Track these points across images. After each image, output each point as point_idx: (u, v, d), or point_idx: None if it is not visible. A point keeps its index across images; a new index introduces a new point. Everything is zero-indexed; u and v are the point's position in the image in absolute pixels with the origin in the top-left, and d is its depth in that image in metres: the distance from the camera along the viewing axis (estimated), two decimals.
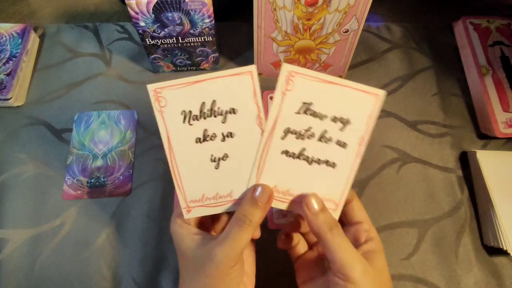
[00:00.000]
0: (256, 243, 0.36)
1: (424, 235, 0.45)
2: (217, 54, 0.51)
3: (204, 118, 0.29)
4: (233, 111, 0.29)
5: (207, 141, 0.30)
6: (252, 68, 0.28)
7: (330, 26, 0.44)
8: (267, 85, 0.37)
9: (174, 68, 0.53)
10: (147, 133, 0.49)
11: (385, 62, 0.56)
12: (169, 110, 0.29)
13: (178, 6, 0.42)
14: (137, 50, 0.55)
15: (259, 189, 0.30)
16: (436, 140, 0.50)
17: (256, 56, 0.49)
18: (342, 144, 0.30)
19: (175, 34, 0.46)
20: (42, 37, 0.56)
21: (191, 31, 0.46)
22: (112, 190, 0.46)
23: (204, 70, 0.54)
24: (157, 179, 0.46)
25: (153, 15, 0.43)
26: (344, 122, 0.29)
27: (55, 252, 0.42)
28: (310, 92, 0.29)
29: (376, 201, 0.46)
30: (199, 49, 0.49)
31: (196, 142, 0.30)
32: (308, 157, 0.30)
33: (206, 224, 0.34)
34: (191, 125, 0.29)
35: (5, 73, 0.49)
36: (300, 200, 0.31)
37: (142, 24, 0.44)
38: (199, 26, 0.45)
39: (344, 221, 0.34)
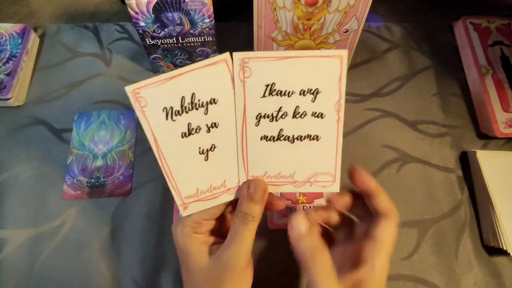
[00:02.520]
0: (256, 241, 0.36)
1: (424, 235, 0.45)
2: (217, 54, 0.51)
3: (186, 112, 0.29)
4: (213, 101, 0.29)
5: (192, 134, 0.29)
6: (226, 56, 0.28)
7: (330, 26, 0.44)
8: None
9: (174, 68, 0.53)
10: None
11: (385, 62, 0.56)
12: (150, 109, 0.28)
13: (178, 6, 0.42)
14: (137, 50, 0.55)
15: (252, 185, 0.30)
16: (436, 140, 0.50)
17: None
18: (319, 115, 0.29)
19: (175, 34, 0.46)
20: (42, 37, 0.56)
21: (191, 31, 0.46)
22: (112, 190, 0.46)
23: None
24: (157, 179, 0.46)
25: (153, 15, 0.43)
26: (314, 92, 0.29)
27: (55, 252, 0.42)
28: (269, 73, 0.28)
29: None
30: (199, 49, 0.49)
31: (182, 137, 0.29)
32: (288, 136, 0.30)
33: (215, 229, 0.33)
34: (174, 121, 0.29)
35: (5, 73, 0.49)
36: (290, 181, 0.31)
37: (142, 24, 0.44)
38: (199, 26, 0.45)
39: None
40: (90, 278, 0.41)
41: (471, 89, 0.54)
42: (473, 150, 0.48)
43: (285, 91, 0.29)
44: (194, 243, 0.30)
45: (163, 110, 0.29)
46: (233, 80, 0.29)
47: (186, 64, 0.52)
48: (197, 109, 0.29)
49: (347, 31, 0.45)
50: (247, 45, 0.55)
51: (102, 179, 0.46)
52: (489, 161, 0.46)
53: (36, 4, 0.60)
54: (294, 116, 0.29)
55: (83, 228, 0.44)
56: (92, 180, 0.46)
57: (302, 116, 0.29)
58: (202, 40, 0.47)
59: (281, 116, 0.29)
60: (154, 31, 0.45)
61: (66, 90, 0.52)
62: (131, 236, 0.43)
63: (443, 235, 0.45)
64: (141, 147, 0.48)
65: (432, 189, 0.47)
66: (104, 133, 0.49)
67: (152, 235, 0.44)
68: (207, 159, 0.30)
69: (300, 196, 0.45)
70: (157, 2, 0.41)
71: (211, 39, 0.47)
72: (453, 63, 0.56)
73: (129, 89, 0.28)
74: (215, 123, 0.29)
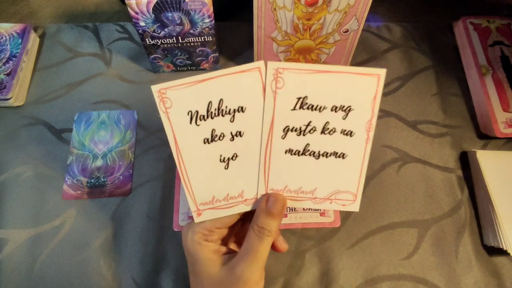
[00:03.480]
0: None
1: (424, 235, 0.45)
2: (217, 54, 0.51)
3: (212, 118, 0.28)
4: (241, 109, 0.28)
5: (215, 141, 0.29)
6: (260, 64, 0.27)
7: (330, 26, 0.44)
8: None
9: (174, 68, 0.53)
10: (147, 133, 0.49)
11: (385, 62, 0.56)
12: (175, 111, 0.28)
13: (178, 6, 0.42)
14: (137, 50, 0.55)
15: (272, 199, 0.29)
16: (436, 140, 0.50)
17: (256, 56, 0.49)
18: (348, 133, 0.29)
19: (175, 34, 0.46)
20: (42, 37, 0.56)
21: (191, 31, 0.46)
22: (112, 190, 0.46)
23: (204, 70, 0.54)
24: (157, 179, 0.46)
25: (153, 15, 0.43)
26: (346, 110, 0.28)
27: (55, 252, 0.42)
28: (302, 85, 0.27)
29: (376, 201, 0.46)
30: (199, 49, 0.49)
31: (204, 142, 0.29)
32: (314, 152, 0.29)
33: (227, 237, 0.33)
34: (198, 125, 0.28)
35: (5, 73, 0.49)
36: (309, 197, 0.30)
37: (142, 24, 0.44)
38: (199, 26, 0.45)
39: None
40: (90, 278, 0.41)
41: (471, 89, 0.54)
42: (473, 150, 0.48)
43: (317, 105, 0.28)
44: (204, 251, 0.29)
45: (188, 114, 0.28)
46: (264, 90, 0.28)
47: (186, 64, 0.52)
48: (223, 116, 0.28)
49: (347, 31, 0.45)
50: (247, 45, 0.56)
51: (102, 179, 0.46)
52: (489, 161, 0.46)
53: (36, 4, 0.60)
54: (322, 132, 0.29)
55: (83, 228, 0.44)
56: (92, 180, 0.46)
57: (331, 132, 0.29)
58: (202, 40, 0.47)
59: (309, 131, 0.29)
60: (154, 31, 0.45)
61: (66, 90, 0.52)
62: (131, 236, 0.43)
63: (443, 235, 0.45)
64: (141, 147, 0.48)
65: (432, 189, 0.47)
66: (104, 133, 0.49)
67: (152, 235, 0.44)
68: (227, 167, 0.29)
69: None
70: (157, 2, 0.41)
71: (211, 39, 0.47)
72: (453, 63, 0.56)
73: (155, 88, 0.27)
74: (240, 132, 0.29)
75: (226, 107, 0.28)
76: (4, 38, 0.52)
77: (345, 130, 0.29)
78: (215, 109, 0.28)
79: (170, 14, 0.43)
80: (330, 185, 0.30)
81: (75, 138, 0.48)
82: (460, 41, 0.56)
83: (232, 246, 0.34)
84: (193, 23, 0.44)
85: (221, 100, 0.28)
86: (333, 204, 0.31)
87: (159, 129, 0.49)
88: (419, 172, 0.48)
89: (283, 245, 0.32)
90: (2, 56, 0.50)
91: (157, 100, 0.27)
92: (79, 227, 0.44)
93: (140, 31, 0.45)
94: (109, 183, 0.46)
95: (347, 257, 0.43)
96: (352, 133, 0.29)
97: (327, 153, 0.29)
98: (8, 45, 0.51)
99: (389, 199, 0.47)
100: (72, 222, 0.44)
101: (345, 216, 0.45)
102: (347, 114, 0.28)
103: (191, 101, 0.27)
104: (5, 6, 0.59)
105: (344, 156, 0.29)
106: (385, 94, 0.53)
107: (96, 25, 0.57)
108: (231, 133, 0.29)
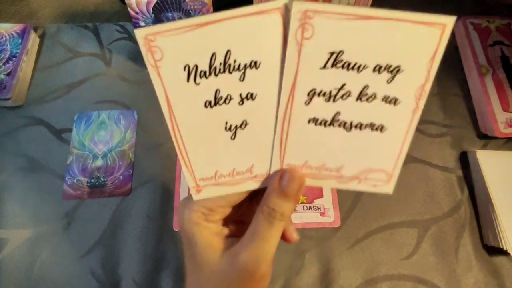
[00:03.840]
0: None
1: (424, 235, 0.45)
2: None
3: (216, 75, 0.22)
4: (254, 64, 0.22)
5: (219, 104, 0.23)
6: (282, 3, 0.20)
7: None
8: None
9: None
10: (147, 133, 0.49)
11: None
12: (167, 64, 0.21)
13: (178, 6, 0.42)
14: (137, 50, 0.55)
15: (287, 176, 0.24)
16: (436, 140, 0.50)
17: None
18: (391, 101, 0.23)
19: None
20: (42, 37, 0.56)
21: None
22: (112, 190, 0.46)
23: None
24: (157, 179, 0.46)
25: (153, 15, 0.43)
26: (393, 70, 0.22)
27: (55, 252, 0.42)
28: (338, 36, 0.21)
29: (376, 201, 0.46)
30: None
31: (206, 106, 0.23)
32: (345, 122, 0.23)
33: (230, 216, 0.27)
34: (197, 84, 0.22)
35: (5, 73, 0.49)
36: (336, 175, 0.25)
37: (142, 24, 0.44)
38: None
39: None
40: (90, 278, 0.41)
41: (471, 89, 0.54)
42: (473, 150, 0.48)
43: (355, 64, 0.21)
44: (204, 234, 0.24)
45: (185, 69, 0.21)
46: (286, 40, 0.21)
47: None
48: (230, 72, 0.22)
49: None
50: None
51: (102, 179, 0.46)
52: (489, 161, 0.46)
53: (36, 4, 0.60)
54: (359, 98, 0.23)
55: (83, 228, 0.44)
56: (92, 180, 0.46)
57: (370, 99, 0.23)
58: None
59: (342, 96, 0.22)
60: None
61: (66, 90, 0.52)
62: (131, 236, 0.43)
63: (443, 235, 0.45)
64: (141, 147, 0.48)
65: (432, 189, 0.47)
66: (104, 133, 0.49)
67: (152, 235, 0.44)
68: (235, 137, 0.24)
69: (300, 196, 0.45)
70: (157, 2, 0.41)
71: None
72: (453, 63, 0.56)
73: (140, 33, 0.20)
74: (251, 94, 0.23)
75: (235, 61, 0.22)
76: (4, 38, 0.52)
77: (388, 97, 0.23)
78: (220, 64, 0.22)
79: (170, 14, 0.43)
80: (361, 162, 0.25)
81: (75, 138, 0.48)
82: (460, 41, 0.56)
83: (237, 228, 0.28)
84: None
85: (228, 51, 0.21)
86: (362, 184, 0.25)
87: (159, 129, 0.49)
88: (419, 172, 0.48)
89: (293, 235, 0.28)
90: (2, 56, 0.50)
91: (143, 50, 0.21)
92: (79, 227, 0.44)
93: None
94: (109, 183, 0.46)
95: (347, 257, 0.43)
96: (397, 101, 0.23)
97: (361, 125, 0.23)
98: (8, 45, 0.51)
99: (389, 199, 0.47)
100: (72, 222, 0.44)
101: (345, 216, 0.45)
102: (393, 77, 0.22)
103: (189, 52, 0.21)
104: (5, 6, 0.59)
105: (383, 129, 0.24)
106: None
107: (96, 25, 0.57)
108: (241, 95, 0.23)
